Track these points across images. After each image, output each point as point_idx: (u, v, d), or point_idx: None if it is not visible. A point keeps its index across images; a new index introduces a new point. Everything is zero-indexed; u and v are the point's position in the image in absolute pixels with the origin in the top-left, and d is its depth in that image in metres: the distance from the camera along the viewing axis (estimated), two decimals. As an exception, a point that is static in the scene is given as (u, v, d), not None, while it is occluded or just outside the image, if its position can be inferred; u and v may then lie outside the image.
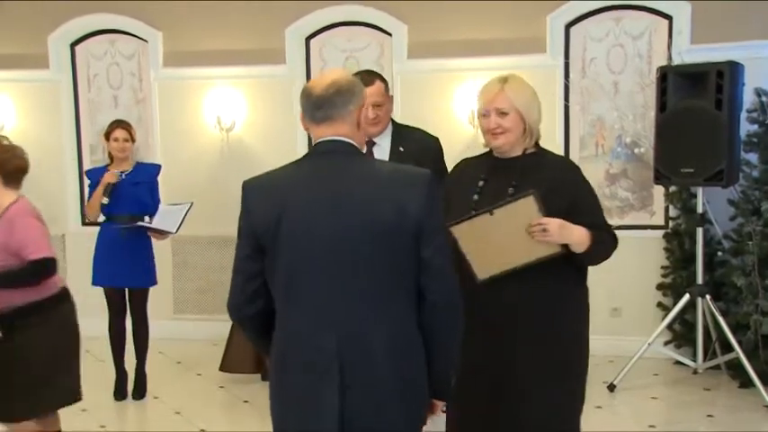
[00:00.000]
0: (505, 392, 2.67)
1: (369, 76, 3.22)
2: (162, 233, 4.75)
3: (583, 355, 2.76)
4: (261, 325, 2.22)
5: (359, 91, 2.17)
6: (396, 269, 2.07)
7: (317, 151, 2.16)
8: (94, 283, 4.80)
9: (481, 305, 2.58)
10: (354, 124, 2.15)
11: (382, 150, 3.30)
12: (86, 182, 4.96)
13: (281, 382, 2.16)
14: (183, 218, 4.71)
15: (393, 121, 3.46)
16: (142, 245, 4.79)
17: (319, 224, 2.06)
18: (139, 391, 4.90)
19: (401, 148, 3.31)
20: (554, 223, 2.46)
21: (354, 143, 2.16)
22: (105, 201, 4.66)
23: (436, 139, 3.50)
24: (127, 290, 4.85)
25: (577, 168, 2.74)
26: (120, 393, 4.88)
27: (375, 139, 3.32)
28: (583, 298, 2.76)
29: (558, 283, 2.63)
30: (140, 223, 4.68)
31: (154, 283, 4.91)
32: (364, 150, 2.43)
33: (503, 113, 2.62)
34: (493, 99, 2.63)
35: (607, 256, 2.68)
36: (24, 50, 6.45)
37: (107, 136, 4.84)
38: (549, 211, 2.48)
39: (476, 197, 2.64)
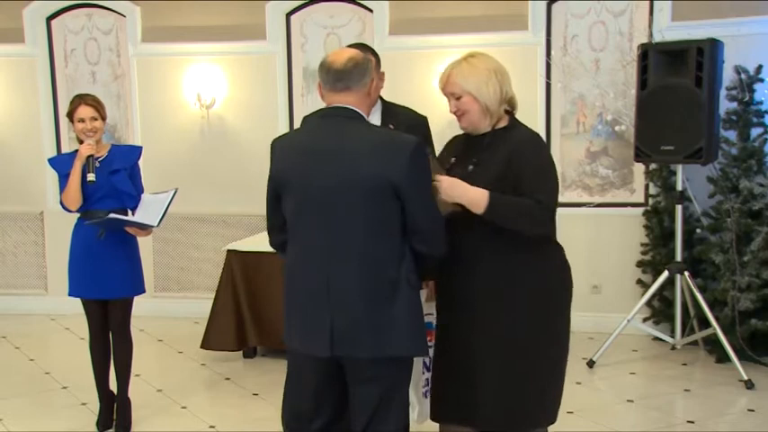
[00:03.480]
0: (463, 371, 2.69)
1: (360, 49, 3.19)
2: (142, 227, 3.97)
3: (550, 334, 2.70)
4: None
5: (371, 66, 2.59)
6: (379, 218, 2.43)
7: (328, 113, 2.55)
8: (71, 293, 4.01)
9: (446, 282, 2.76)
10: (366, 93, 2.56)
11: None
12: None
13: (288, 307, 2.59)
14: (167, 208, 3.93)
15: (382, 99, 3.44)
16: (123, 245, 3.97)
17: (315, 177, 2.45)
18: (124, 424, 4.06)
19: (391, 126, 3.29)
20: (444, 182, 2.58)
21: (358, 110, 2.53)
22: (92, 177, 3.80)
23: (425, 118, 3.50)
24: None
25: (532, 143, 2.71)
26: (103, 424, 4.07)
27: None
28: (546, 268, 2.71)
29: (508, 252, 2.63)
30: (113, 215, 3.83)
31: (138, 291, 4.08)
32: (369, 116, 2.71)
33: (457, 97, 2.69)
34: (444, 85, 2.73)
35: (517, 225, 2.59)
36: (-1, 25, 6.35)
37: (70, 116, 3.92)
38: (500, 182, 2.59)
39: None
